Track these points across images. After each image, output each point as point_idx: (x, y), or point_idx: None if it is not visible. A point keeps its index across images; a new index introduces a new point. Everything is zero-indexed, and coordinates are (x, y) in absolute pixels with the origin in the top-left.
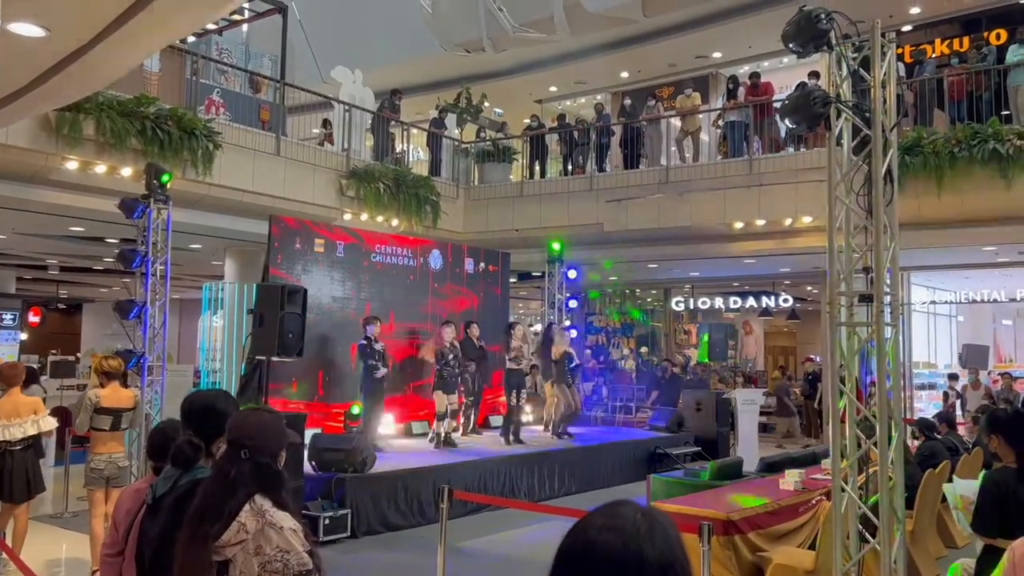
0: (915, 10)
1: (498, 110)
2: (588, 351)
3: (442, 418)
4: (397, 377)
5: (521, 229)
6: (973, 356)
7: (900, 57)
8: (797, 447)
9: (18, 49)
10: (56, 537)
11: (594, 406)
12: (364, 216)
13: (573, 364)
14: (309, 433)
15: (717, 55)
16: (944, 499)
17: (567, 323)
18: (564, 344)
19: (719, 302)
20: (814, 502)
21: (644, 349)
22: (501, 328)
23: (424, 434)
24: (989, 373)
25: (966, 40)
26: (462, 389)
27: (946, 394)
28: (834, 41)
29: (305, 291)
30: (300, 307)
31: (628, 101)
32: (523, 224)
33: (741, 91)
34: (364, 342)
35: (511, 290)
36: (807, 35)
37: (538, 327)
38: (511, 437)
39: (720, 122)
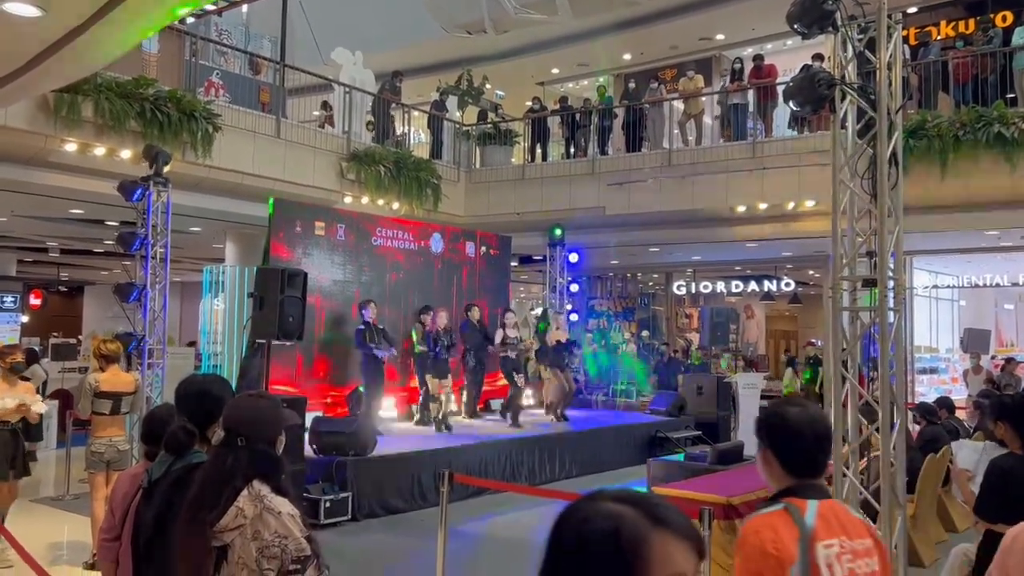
0: None
1: (500, 92)
2: (589, 335)
3: (436, 401)
4: (399, 360)
5: (522, 212)
6: (975, 340)
7: (905, 39)
8: None
9: (13, 29)
10: (57, 520)
11: (595, 390)
12: (365, 199)
13: (572, 348)
14: (310, 416)
15: (720, 37)
16: (945, 483)
17: (568, 307)
18: (559, 331)
19: (721, 286)
20: None
21: (645, 333)
22: (501, 312)
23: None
24: (993, 358)
25: (972, 22)
26: (462, 371)
27: None
28: (839, 22)
29: (305, 274)
30: (300, 290)
31: (632, 84)
32: (524, 207)
33: (746, 73)
34: (363, 327)
35: (512, 274)
36: (812, 16)
37: (539, 311)
38: (509, 420)
39: (718, 102)
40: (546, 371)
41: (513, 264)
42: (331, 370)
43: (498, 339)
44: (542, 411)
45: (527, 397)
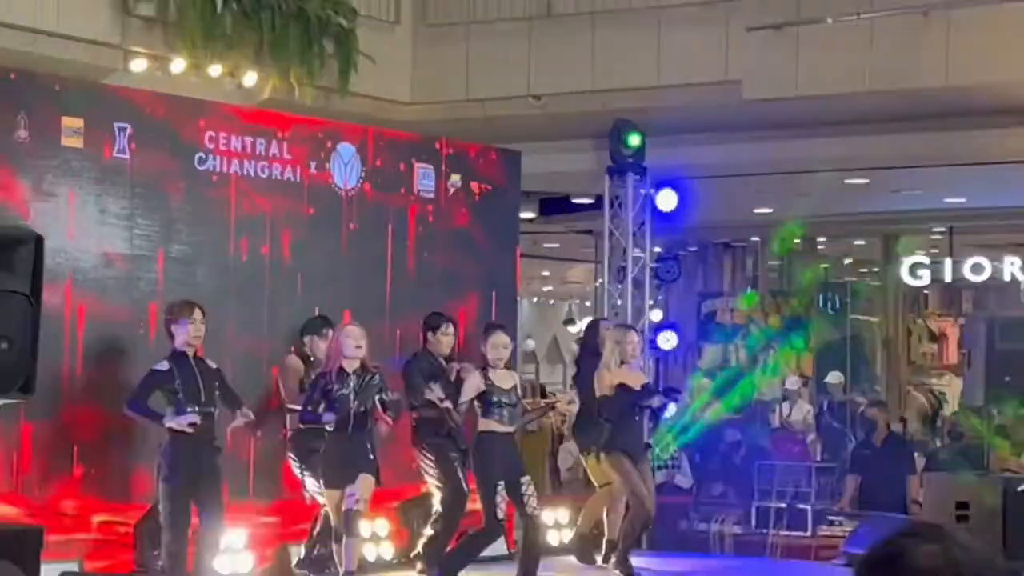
0: None
1: None
2: (703, 379)
3: (340, 534)
4: (263, 438)
5: (546, 96)
6: None
7: None
8: None
9: None
10: None
11: (715, 507)
12: (178, 65)
13: (657, 401)
14: (54, 571)
15: None
16: None
17: (654, 316)
18: (627, 367)
19: (1015, 265)
20: None
21: (834, 376)
22: (494, 322)
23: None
24: None
25: None
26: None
27: None
28: None
29: (39, 241)
30: (27, 278)
31: None
32: (551, 82)
33: None
34: (165, 367)
35: (527, 239)
36: None
37: (580, 324)
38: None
39: None
40: (597, 462)
41: (527, 216)
42: (102, 461)
43: (469, 389)
44: (572, 553)
45: (538, 522)
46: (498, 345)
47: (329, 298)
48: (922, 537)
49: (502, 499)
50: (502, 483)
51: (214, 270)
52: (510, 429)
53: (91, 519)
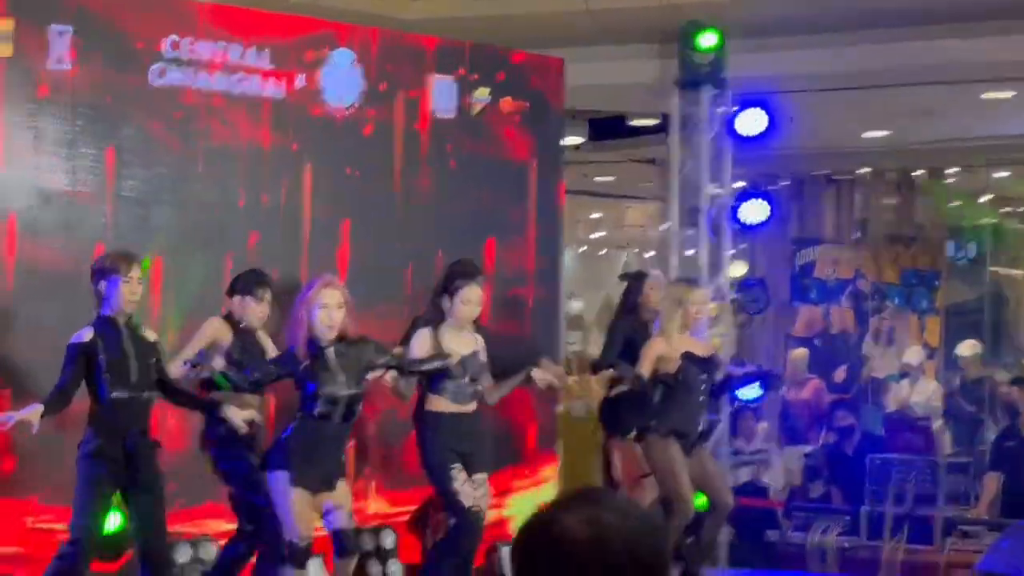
0: None
1: None
2: (797, 351)
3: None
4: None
5: None
6: None
7: None
8: None
9: None
10: None
11: (814, 514)
12: None
13: (723, 383)
14: None
15: None
16: None
17: (736, 270)
18: (689, 329)
19: None
20: None
21: (968, 346)
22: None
23: None
24: None
25: None
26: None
27: None
28: None
29: None
30: None
31: None
32: None
33: None
34: (84, 338)
35: (570, 168)
36: None
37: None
38: None
39: None
40: (633, 452)
41: (573, 143)
42: (34, 453)
43: (417, 350)
44: None
45: None
46: (471, 300)
47: (320, 250)
48: (571, 506)
49: (462, 481)
50: (458, 465)
51: (176, 212)
52: (467, 409)
53: (25, 522)
